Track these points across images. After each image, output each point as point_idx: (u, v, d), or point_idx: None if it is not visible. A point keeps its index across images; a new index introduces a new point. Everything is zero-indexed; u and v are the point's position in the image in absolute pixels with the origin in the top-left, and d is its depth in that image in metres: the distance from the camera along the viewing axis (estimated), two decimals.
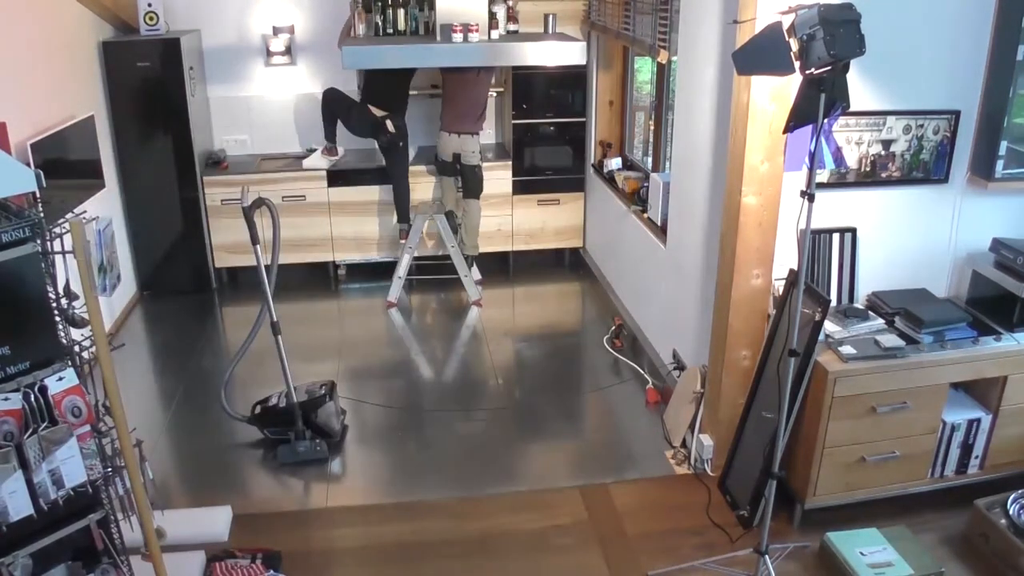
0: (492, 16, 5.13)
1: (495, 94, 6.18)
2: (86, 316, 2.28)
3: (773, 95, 3.06)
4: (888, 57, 3.10)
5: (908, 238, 3.47)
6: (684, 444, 3.85)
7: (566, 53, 5.08)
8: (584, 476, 3.72)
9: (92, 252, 2.24)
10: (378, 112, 5.39)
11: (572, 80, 5.80)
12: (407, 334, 5.36)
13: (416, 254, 5.66)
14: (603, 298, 5.62)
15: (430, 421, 4.22)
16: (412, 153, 5.77)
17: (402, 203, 5.64)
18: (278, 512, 3.53)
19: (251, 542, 3.25)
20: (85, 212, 2.30)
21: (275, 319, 3.79)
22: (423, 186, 5.83)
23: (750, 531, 3.28)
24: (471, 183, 5.56)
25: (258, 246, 3.77)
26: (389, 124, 5.39)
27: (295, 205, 5.70)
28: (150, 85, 5.27)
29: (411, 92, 5.62)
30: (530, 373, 4.75)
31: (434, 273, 5.89)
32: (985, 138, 3.30)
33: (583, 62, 5.18)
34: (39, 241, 2.16)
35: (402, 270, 5.54)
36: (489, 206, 5.91)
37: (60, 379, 2.20)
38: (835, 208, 3.36)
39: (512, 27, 5.42)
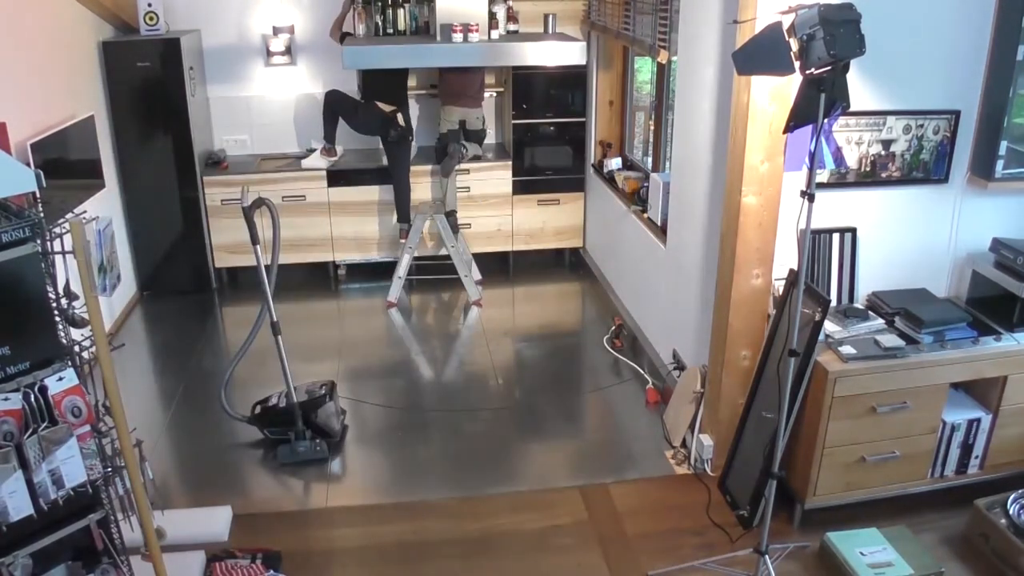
0: (492, 16, 5.14)
1: (495, 94, 6.19)
2: (86, 316, 2.28)
3: (773, 95, 3.06)
4: (888, 57, 3.10)
5: (908, 238, 3.47)
6: (684, 444, 3.85)
7: (566, 53, 5.08)
8: (584, 476, 3.72)
9: (92, 252, 2.24)
10: (386, 107, 5.39)
11: (572, 80, 5.80)
12: (407, 334, 5.36)
13: (416, 254, 5.66)
14: (603, 298, 5.62)
15: (430, 421, 4.22)
16: (413, 151, 5.77)
17: (403, 202, 5.64)
18: (278, 512, 3.53)
19: (251, 542, 3.25)
20: (85, 212, 2.30)
21: (275, 319, 3.79)
22: (423, 186, 5.83)
23: (750, 531, 3.28)
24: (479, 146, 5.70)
25: (258, 246, 3.77)
26: (399, 118, 5.40)
27: (295, 205, 5.70)
28: (150, 85, 5.27)
29: (412, 91, 5.64)
30: (530, 373, 4.75)
31: (434, 273, 5.89)
32: (985, 138, 3.30)
33: (583, 62, 5.18)
34: (39, 241, 2.16)
35: (402, 270, 5.54)
36: (489, 206, 5.91)
37: (60, 379, 2.20)
38: (835, 208, 3.36)
39: (512, 27, 5.42)
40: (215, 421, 4.11)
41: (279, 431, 3.88)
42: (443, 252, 5.70)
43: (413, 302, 5.74)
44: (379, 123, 5.44)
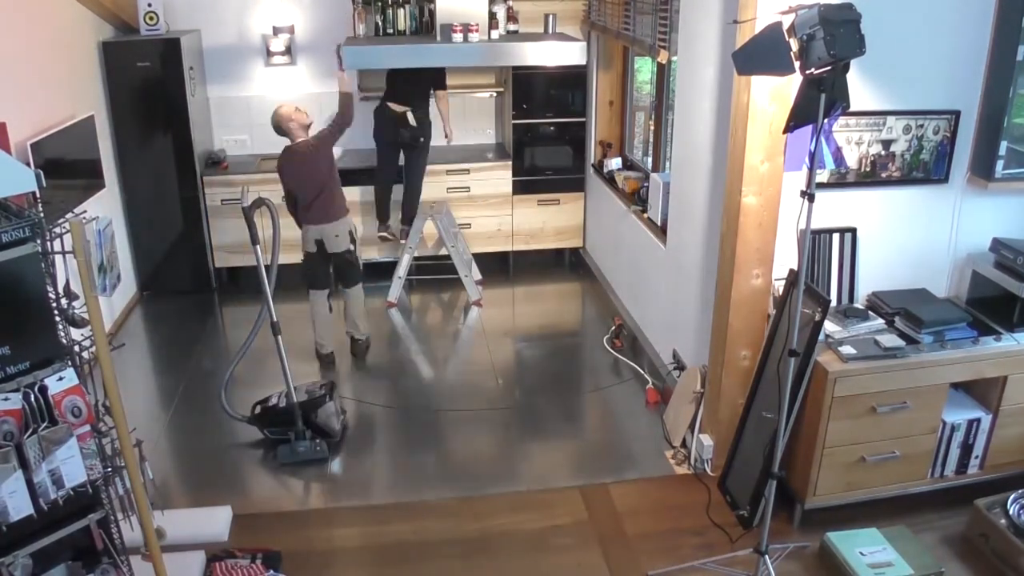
0: (492, 16, 5.14)
1: (495, 94, 6.18)
2: (86, 316, 2.28)
3: (773, 95, 3.06)
4: (888, 57, 3.10)
5: (908, 238, 3.47)
6: (684, 444, 3.85)
7: (566, 53, 5.08)
8: (584, 476, 3.72)
9: (92, 252, 2.24)
10: (397, 108, 5.35)
11: (572, 80, 5.80)
12: (407, 334, 5.36)
13: (416, 254, 5.66)
14: (603, 298, 5.62)
15: (430, 421, 4.22)
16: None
17: (412, 203, 5.59)
18: (278, 512, 3.53)
19: (251, 542, 3.25)
20: (85, 212, 2.30)
21: (275, 319, 3.79)
22: (425, 187, 5.83)
23: (750, 531, 3.28)
24: (349, 271, 4.72)
25: (258, 246, 3.77)
26: (410, 117, 5.36)
27: None
28: (150, 85, 5.27)
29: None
30: (530, 373, 4.75)
31: (433, 273, 5.89)
32: (985, 138, 3.30)
33: (583, 62, 5.18)
34: (39, 241, 2.16)
35: (402, 270, 5.54)
36: (489, 206, 5.92)
37: (60, 379, 2.20)
38: (835, 208, 3.36)
39: (512, 27, 5.42)
40: (215, 421, 4.11)
41: (279, 431, 3.88)
42: (442, 252, 5.69)
43: (413, 302, 5.74)
44: (392, 125, 5.38)
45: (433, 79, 5.44)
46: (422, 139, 5.44)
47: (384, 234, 5.65)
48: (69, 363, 2.25)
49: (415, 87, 5.39)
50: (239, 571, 3.02)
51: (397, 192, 5.62)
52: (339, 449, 3.96)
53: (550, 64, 5.31)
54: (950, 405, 3.25)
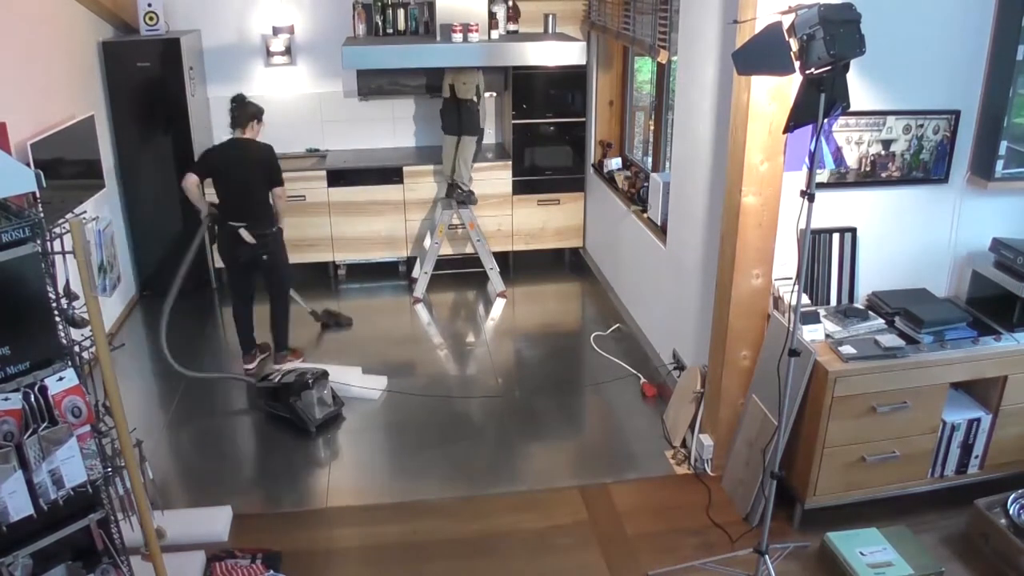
0: (492, 16, 5.14)
1: (494, 95, 6.18)
2: (86, 316, 2.28)
3: (773, 95, 3.06)
4: (888, 57, 3.10)
5: (908, 238, 3.47)
6: (684, 444, 3.85)
7: (566, 53, 5.08)
8: (584, 476, 3.72)
9: (92, 252, 2.25)
10: (234, 223, 4.48)
11: (572, 80, 5.80)
12: (405, 333, 5.36)
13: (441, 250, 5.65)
14: (603, 298, 5.62)
15: (430, 421, 4.21)
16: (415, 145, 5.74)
17: (277, 328, 4.79)
18: (278, 512, 3.53)
19: (251, 542, 3.25)
20: (85, 212, 2.30)
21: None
22: (428, 186, 5.83)
23: (750, 531, 3.28)
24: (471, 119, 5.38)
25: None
26: (244, 234, 4.45)
27: (295, 205, 5.68)
28: (150, 85, 5.27)
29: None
30: (530, 373, 4.74)
31: (441, 269, 5.89)
32: (985, 138, 3.30)
33: (583, 62, 5.18)
34: (39, 241, 2.16)
35: (428, 265, 5.52)
36: (489, 206, 5.91)
37: (60, 379, 2.20)
38: (835, 208, 3.36)
39: (512, 27, 5.42)
40: (215, 421, 4.11)
41: (275, 407, 4.16)
42: (455, 250, 5.69)
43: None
44: (229, 242, 4.54)
45: (268, 178, 4.47)
46: (265, 256, 4.51)
47: (249, 367, 4.72)
48: (69, 363, 2.25)
49: (245, 198, 4.46)
50: (239, 571, 3.02)
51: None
52: (339, 449, 3.96)
53: (550, 64, 5.31)
54: (950, 405, 3.25)
